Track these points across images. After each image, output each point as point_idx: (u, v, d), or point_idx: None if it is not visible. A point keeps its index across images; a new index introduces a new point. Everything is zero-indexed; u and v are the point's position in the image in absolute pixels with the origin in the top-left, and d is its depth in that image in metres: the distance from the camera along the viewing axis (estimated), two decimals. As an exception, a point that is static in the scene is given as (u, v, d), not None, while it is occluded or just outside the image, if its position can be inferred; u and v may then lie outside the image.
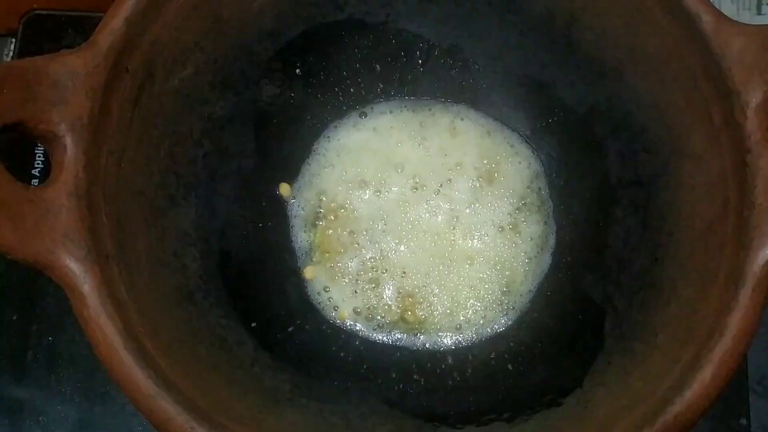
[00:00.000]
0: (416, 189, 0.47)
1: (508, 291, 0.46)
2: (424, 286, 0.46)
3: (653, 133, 0.39)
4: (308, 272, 0.47)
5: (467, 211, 0.47)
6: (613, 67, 0.40)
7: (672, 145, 0.38)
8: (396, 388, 0.42)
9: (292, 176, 0.47)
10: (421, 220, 0.47)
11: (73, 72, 0.32)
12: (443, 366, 0.44)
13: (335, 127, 0.48)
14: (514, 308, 0.46)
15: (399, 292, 0.46)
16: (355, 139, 0.48)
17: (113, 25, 0.33)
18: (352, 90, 0.48)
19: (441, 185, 0.47)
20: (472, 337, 0.45)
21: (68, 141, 0.31)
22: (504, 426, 0.38)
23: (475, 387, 0.42)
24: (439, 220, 0.47)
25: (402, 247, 0.47)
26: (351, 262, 0.47)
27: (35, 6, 0.53)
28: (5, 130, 0.31)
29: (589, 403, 0.36)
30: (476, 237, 0.47)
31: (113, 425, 0.46)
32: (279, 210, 0.47)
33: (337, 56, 0.46)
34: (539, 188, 0.48)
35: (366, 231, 0.47)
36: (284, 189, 0.47)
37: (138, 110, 0.35)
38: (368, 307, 0.46)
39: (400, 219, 0.47)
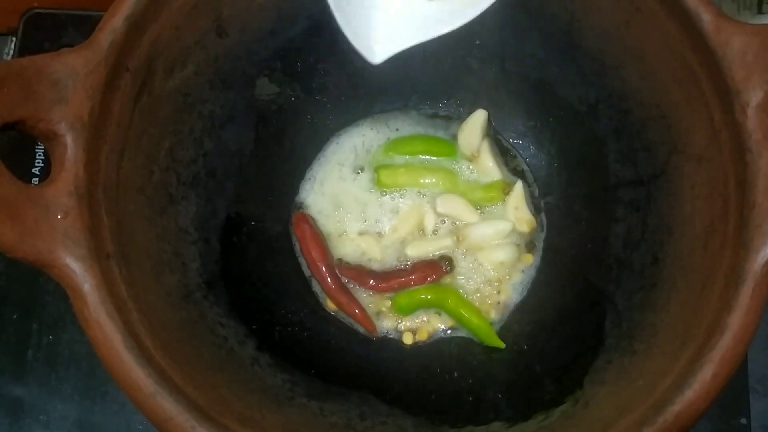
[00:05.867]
0: (424, 194, 0.47)
1: (509, 290, 0.46)
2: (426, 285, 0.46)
3: (653, 133, 0.39)
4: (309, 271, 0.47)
5: (470, 211, 0.47)
6: (614, 66, 0.40)
7: (672, 145, 0.38)
8: (396, 387, 0.42)
9: (294, 175, 0.47)
10: (428, 219, 0.47)
11: (73, 71, 0.32)
12: (443, 365, 0.44)
13: (339, 128, 0.48)
14: (514, 307, 0.46)
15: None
16: (358, 140, 0.48)
17: (114, 24, 0.33)
18: (351, 89, 0.48)
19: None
20: (473, 337, 0.45)
21: (68, 140, 0.31)
22: (504, 425, 0.38)
23: (475, 386, 0.42)
24: (445, 221, 0.47)
25: (407, 246, 0.47)
26: (353, 260, 0.47)
27: (36, 5, 0.53)
28: (6, 129, 0.31)
29: (590, 402, 0.36)
30: (476, 238, 0.47)
31: (113, 424, 0.46)
32: (280, 209, 0.47)
33: (338, 55, 0.46)
34: (540, 188, 0.48)
35: (371, 229, 0.47)
36: None
37: (138, 109, 0.35)
38: (370, 307, 0.46)
39: (406, 218, 0.47)
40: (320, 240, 0.46)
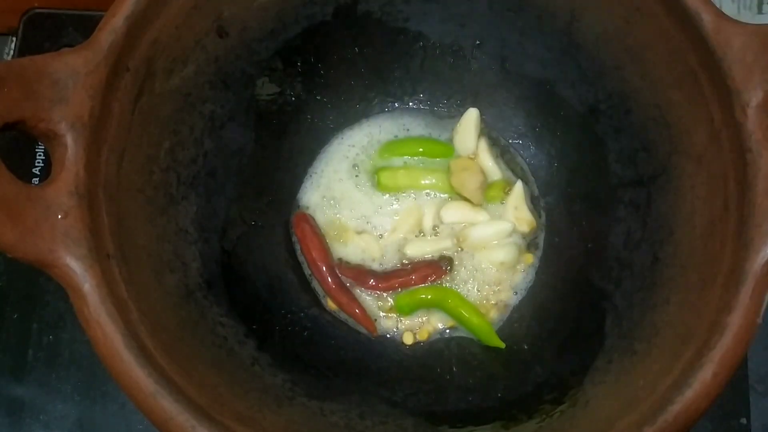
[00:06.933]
0: (424, 194, 0.47)
1: (509, 290, 0.46)
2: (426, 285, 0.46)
3: (653, 133, 0.39)
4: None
5: (476, 212, 0.47)
6: (614, 66, 0.40)
7: (672, 145, 0.38)
8: (396, 387, 0.42)
9: (294, 175, 0.47)
10: (426, 219, 0.47)
11: (73, 70, 0.32)
12: (443, 365, 0.44)
13: (340, 128, 0.48)
14: (514, 307, 0.46)
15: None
16: (358, 140, 0.48)
17: (114, 24, 0.33)
18: (352, 89, 0.48)
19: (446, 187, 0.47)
20: (473, 337, 0.45)
21: (69, 139, 0.31)
22: (504, 425, 0.38)
23: (475, 387, 0.42)
24: (445, 220, 0.47)
25: (407, 246, 0.47)
26: (353, 260, 0.47)
27: (36, 5, 0.53)
28: (6, 129, 0.31)
29: (590, 402, 0.36)
30: (476, 238, 0.47)
31: (113, 423, 0.46)
32: (280, 208, 0.47)
33: (338, 55, 0.46)
34: (540, 188, 0.48)
35: (371, 229, 0.47)
36: None
37: (139, 109, 0.35)
38: (370, 307, 0.46)
39: (406, 217, 0.47)
40: (320, 240, 0.46)
